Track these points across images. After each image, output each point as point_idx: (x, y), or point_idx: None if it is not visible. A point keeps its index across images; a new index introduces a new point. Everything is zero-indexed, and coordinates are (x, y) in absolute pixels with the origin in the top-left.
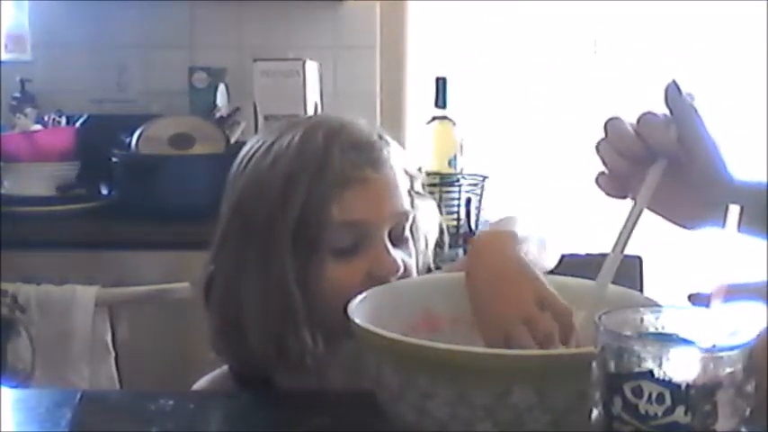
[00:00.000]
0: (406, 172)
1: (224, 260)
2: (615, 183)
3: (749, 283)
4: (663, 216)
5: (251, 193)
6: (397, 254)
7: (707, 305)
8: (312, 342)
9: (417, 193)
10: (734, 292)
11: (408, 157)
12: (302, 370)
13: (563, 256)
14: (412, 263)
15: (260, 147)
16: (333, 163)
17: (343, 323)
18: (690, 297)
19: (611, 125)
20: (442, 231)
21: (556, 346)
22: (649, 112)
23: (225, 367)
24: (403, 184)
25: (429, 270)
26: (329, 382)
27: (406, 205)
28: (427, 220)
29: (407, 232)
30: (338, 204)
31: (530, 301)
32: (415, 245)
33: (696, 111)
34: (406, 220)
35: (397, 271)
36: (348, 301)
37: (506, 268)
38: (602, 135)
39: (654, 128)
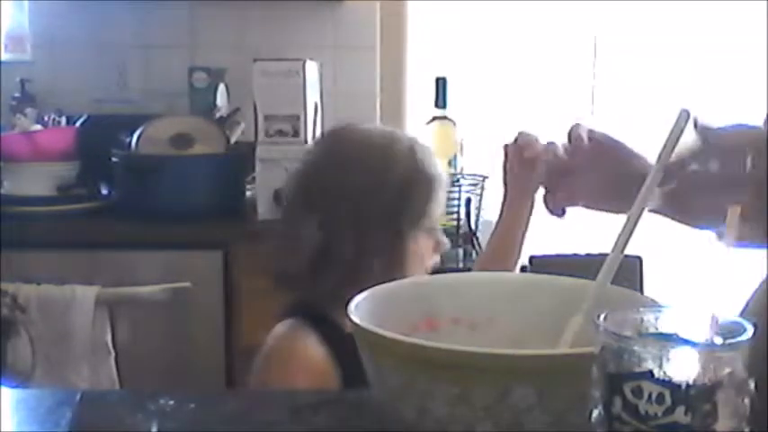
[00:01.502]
0: None
1: (330, 233)
2: (550, 198)
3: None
4: (668, 216)
5: (368, 189)
6: None
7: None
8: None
9: None
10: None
11: None
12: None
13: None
14: None
15: (367, 154)
16: (434, 173)
17: None
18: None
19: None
20: None
21: None
22: (576, 124)
23: (291, 320)
24: None
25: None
26: None
27: None
28: None
29: None
30: (436, 200)
31: None
32: None
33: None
34: None
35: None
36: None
37: None
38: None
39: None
